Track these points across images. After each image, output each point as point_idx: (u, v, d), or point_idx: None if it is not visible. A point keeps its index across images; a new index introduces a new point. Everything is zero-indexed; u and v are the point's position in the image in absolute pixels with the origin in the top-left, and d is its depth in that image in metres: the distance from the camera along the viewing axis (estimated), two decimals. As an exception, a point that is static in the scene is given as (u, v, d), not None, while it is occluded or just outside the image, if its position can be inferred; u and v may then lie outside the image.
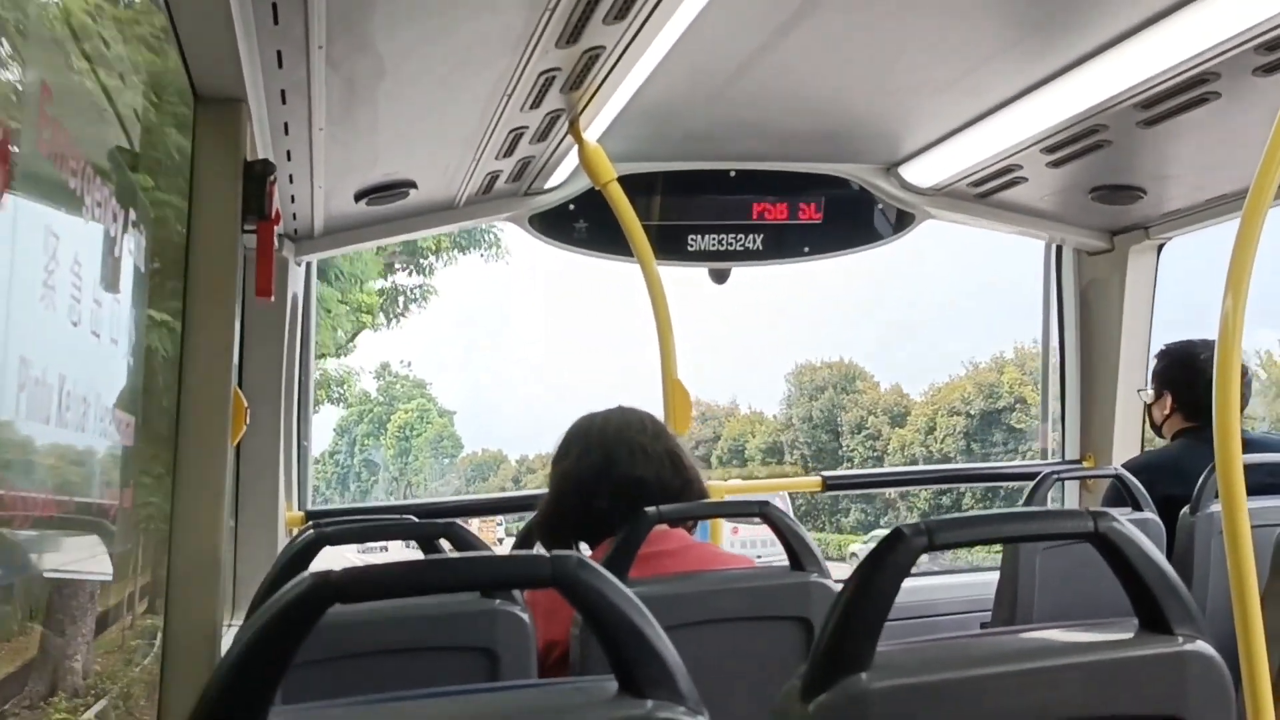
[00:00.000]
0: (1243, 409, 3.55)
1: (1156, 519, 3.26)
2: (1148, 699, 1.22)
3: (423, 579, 1.09)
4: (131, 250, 1.98)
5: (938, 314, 55.80)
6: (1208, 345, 3.68)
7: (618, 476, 2.39)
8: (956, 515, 1.22)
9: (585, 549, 2.45)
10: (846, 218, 4.24)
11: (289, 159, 3.06)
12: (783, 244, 4.22)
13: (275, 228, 2.53)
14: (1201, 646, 1.24)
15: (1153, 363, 4.02)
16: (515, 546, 3.27)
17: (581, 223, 4.05)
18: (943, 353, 61.25)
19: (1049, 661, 1.21)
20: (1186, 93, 2.98)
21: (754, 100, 3.39)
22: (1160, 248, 4.45)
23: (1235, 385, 2.26)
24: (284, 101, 2.62)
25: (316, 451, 58.59)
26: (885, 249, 4.33)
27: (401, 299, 24.26)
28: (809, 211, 4.20)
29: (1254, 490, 2.51)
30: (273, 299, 2.78)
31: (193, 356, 2.30)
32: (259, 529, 3.88)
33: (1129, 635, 1.26)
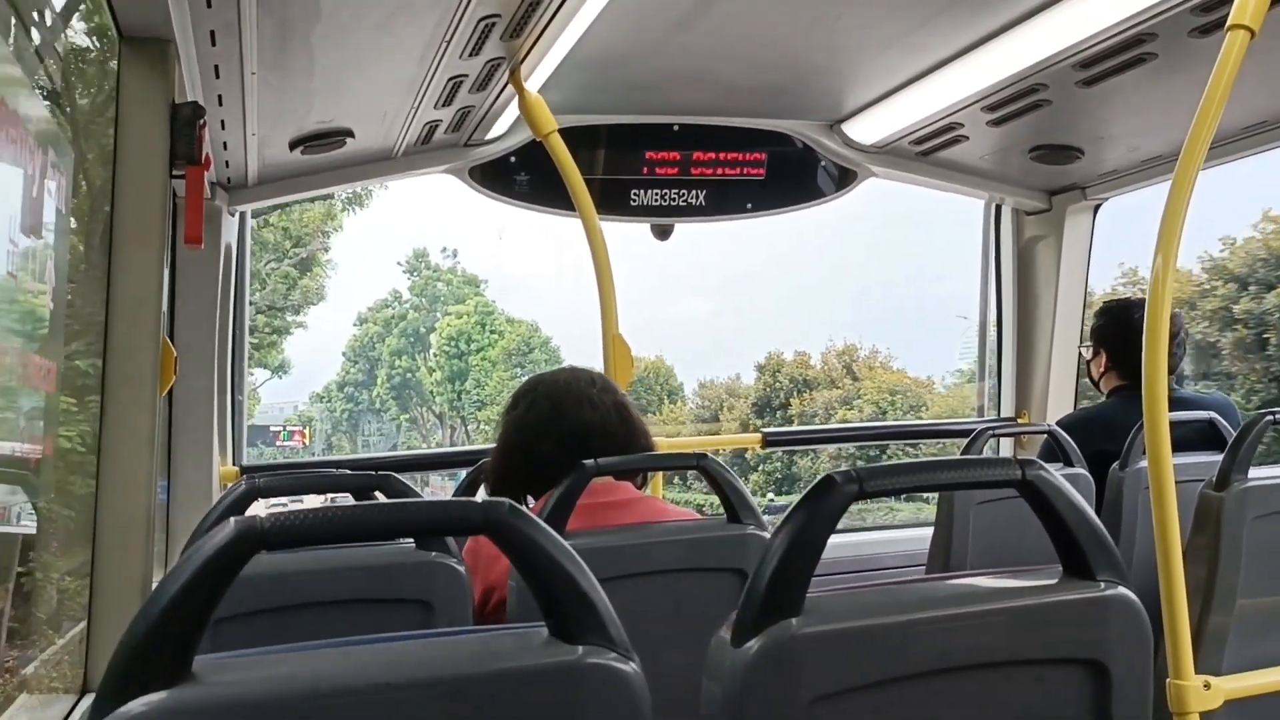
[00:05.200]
0: (1175, 368, 3.63)
1: (1086, 474, 3.32)
2: (1070, 642, 1.24)
3: (352, 525, 1.07)
4: (52, 192, 1.92)
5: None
6: (1144, 304, 3.74)
7: (565, 424, 2.42)
8: (887, 464, 1.23)
9: (532, 502, 2.46)
10: (789, 174, 4.23)
11: (220, 104, 2.98)
12: (725, 200, 4.21)
13: (205, 173, 2.46)
14: (1122, 592, 1.26)
15: (1090, 321, 4.09)
16: (456, 496, 3.25)
17: (523, 175, 4.01)
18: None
19: (974, 606, 1.23)
20: (1124, 53, 3.01)
21: (698, 53, 3.36)
22: (1097, 208, 4.51)
23: (1164, 343, 2.30)
24: (214, 43, 2.55)
25: (319, 385, 44.33)
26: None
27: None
28: (752, 167, 4.19)
29: (1182, 446, 2.57)
30: (202, 247, 2.71)
31: (119, 304, 2.24)
32: (193, 483, 3.83)
33: (1053, 581, 1.28)
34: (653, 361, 40.71)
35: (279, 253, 30.69)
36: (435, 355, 42.65)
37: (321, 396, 45.19)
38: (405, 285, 45.08)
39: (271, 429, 36.73)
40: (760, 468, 33.51)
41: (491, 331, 42.45)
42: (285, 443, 36.44)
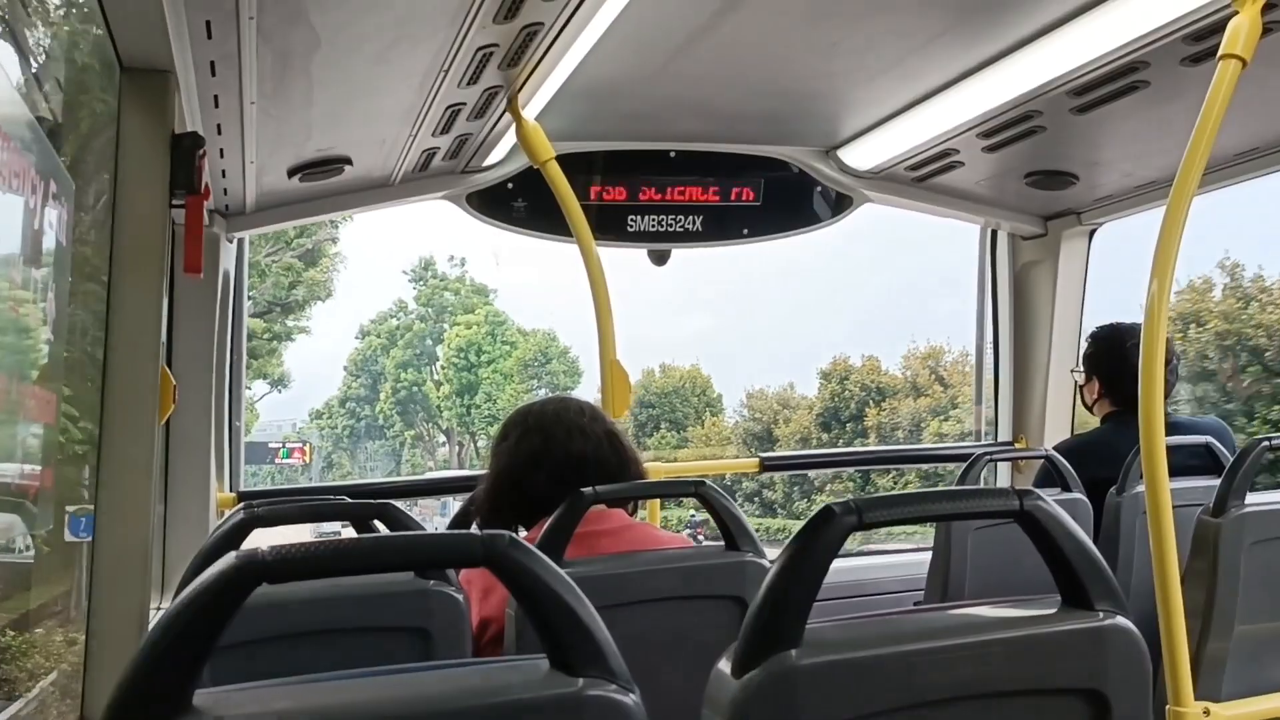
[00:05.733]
0: (1169, 393, 3.63)
1: (1084, 499, 3.33)
2: (1069, 673, 1.25)
3: (353, 559, 1.08)
4: (53, 223, 1.93)
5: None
6: (1135, 331, 3.75)
7: (557, 455, 2.42)
8: (885, 495, 1.24)
9: (524, 532, 2.46)
10: (785, 200, 4.25)
11: (219, 133, 2.99)
12: (722, 226, 4.23)
13: (204, 202, 2.47)
14: (1121, 622, 1.26)
15: (1084, 346, 4.10)
16: (450, 528, 3.25)
17: (520, 202, 4.02)
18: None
19: (974, 637, 1.23)
20: (1117, 80, 3.03)
21: (694, 80, 3.38)
22: (1092, 233, 4.53)
23: (1160, 368, 2.31)
24: (214, 73, 2.56)
25: (320, 401, 41.61)
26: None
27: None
28: (748, 193, 4.21)
29: (1177, 471, 2.57)
30: (202, 276, 2.72)
31: (118, 334, 2.25)
32: (190, 511, 3.82)
33: (1052, 611, 1.29)
34: (688, 371, 38.23)
35: (281, 242, 28.35)
36: (443, 368, 40.31)
37: (321, 413, 42.80)
38: (411, 295, 42.38)
39: (270, 445, 34.86)
40: (827, 488, 31.12)
41: (503, 342, 39.93)
42: (285, 460, 34.54)
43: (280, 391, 35.47)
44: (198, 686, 1.01)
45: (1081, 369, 3.97)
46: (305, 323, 31.45)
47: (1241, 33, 2.28)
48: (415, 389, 40.49)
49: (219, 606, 1.01)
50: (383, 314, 42.44)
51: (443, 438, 40.80)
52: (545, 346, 39.74)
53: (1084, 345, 4.07)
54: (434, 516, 24.52)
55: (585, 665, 1.08)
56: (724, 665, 1.20)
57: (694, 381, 38.66)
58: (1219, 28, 2.40)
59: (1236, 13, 2.33)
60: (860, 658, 1.19)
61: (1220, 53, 2.30)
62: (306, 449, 36.99)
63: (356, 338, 42.61)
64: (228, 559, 1.02)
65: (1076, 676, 1.25)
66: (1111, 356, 3.76)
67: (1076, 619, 1.27)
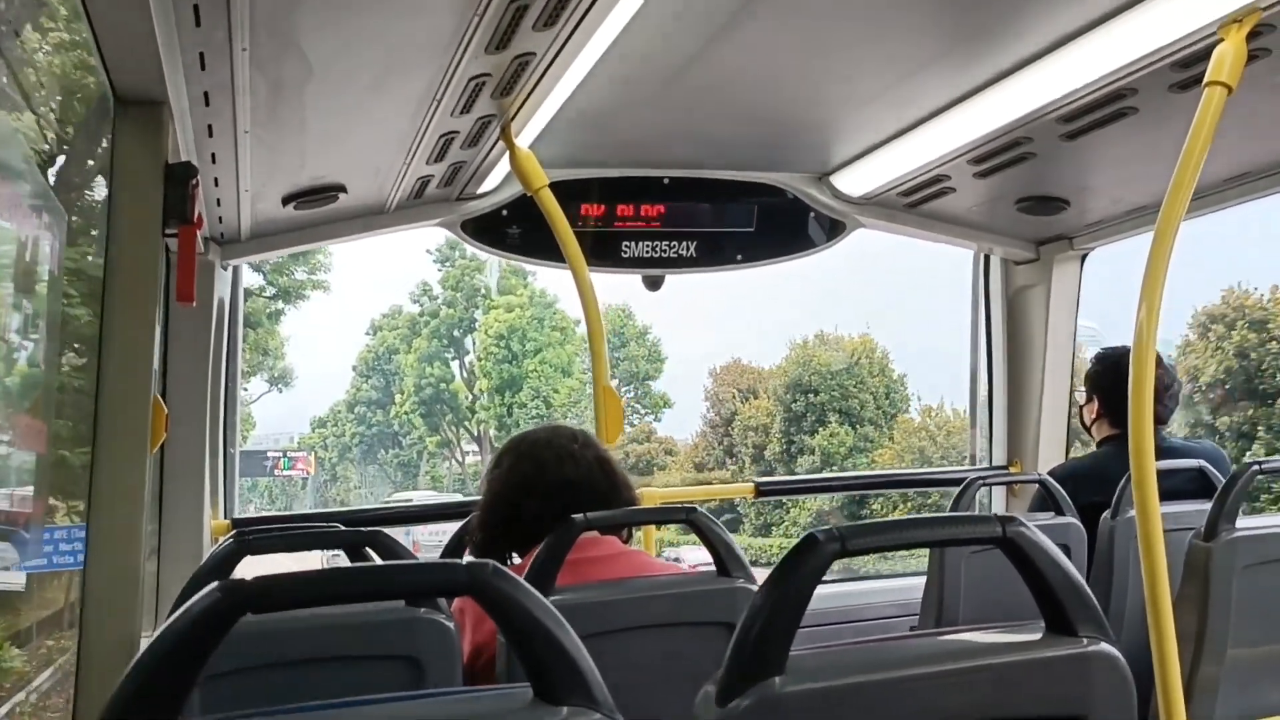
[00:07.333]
0: (1166, 419, 3.64)
1: (1078, 524, 3.33)
2: (1053, 699, 1.25)
3: (338, 588, 1.08)
4: (46, 254, 1.94)
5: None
6: None
7: (548, 481, 2.44)
8: (869, 522, 1.24)
9: (517, 559, 2.46)
10: (779, 226, 4.27)
11: (214, 162, 3.01)
12: (715, 251, 4.25)
13: (198, 232, 2.48)
14: (1105, 648, 1.27)
15: (1089, 365, 4.09)
16: (443, 555, 3.24)
17: (514, 229, 4.04)
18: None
19: (957, 664, 1.23)
20: (1106, 107, 3.05)
21: (687, 108, 3.40)
22: (1084, 257, 4.55)
23: (1149, 393, 2.32)
24: (207, 104, 2.58)
25: (323, 408, 36.41)
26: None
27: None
28: (742, 219, 4.23)
29: (1172, 495, 2.58)
30: (195, 304, 2.73)
31: (111, 362, 2.26)
32: (183, 538, 3.81)
33: (1036, 637, 1.29)
34: (860, 341, 30.84)
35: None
36: (479, 359, 33.93)
37: (326, 420, 37.93)
38: (436, 277, 35.68)
39: (268, 455, 31.70)
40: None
41: (553, 329, 33.15)
42: (285, 471, 31.44)
43: (280, 390, 31.20)
44: (187, 715, 1.01)
45: (1083, 388, 3.96)
46: (323, 275, 24.22)
47: (1227, 60, 2.31)
48: (442, 386, 34.24)
49: (203, 636, 1.01)
50: (395, 307, 36.82)
51: (474, 444, 34.61)
52: (620, 326, 32.86)
53: (1088, 365, 4.06)
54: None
55: (568, 694, 1.08)
56: (709, 693, 1.20)
57: (869, 357, 30.96)
58: (1205, 55, 2.43)
59: (1222, 40, 2.36)
60: (844, 685, 1.19)
61: (1206, 79, 2.33)
62: (310, 459, 33.42)
63: (367, 333, 37.01)
64: (211, 588, 1.02)
65: (1061, 703, 1.25)
66: (1115, 378, 3.75)
67: (1060, 645, 1.27)
